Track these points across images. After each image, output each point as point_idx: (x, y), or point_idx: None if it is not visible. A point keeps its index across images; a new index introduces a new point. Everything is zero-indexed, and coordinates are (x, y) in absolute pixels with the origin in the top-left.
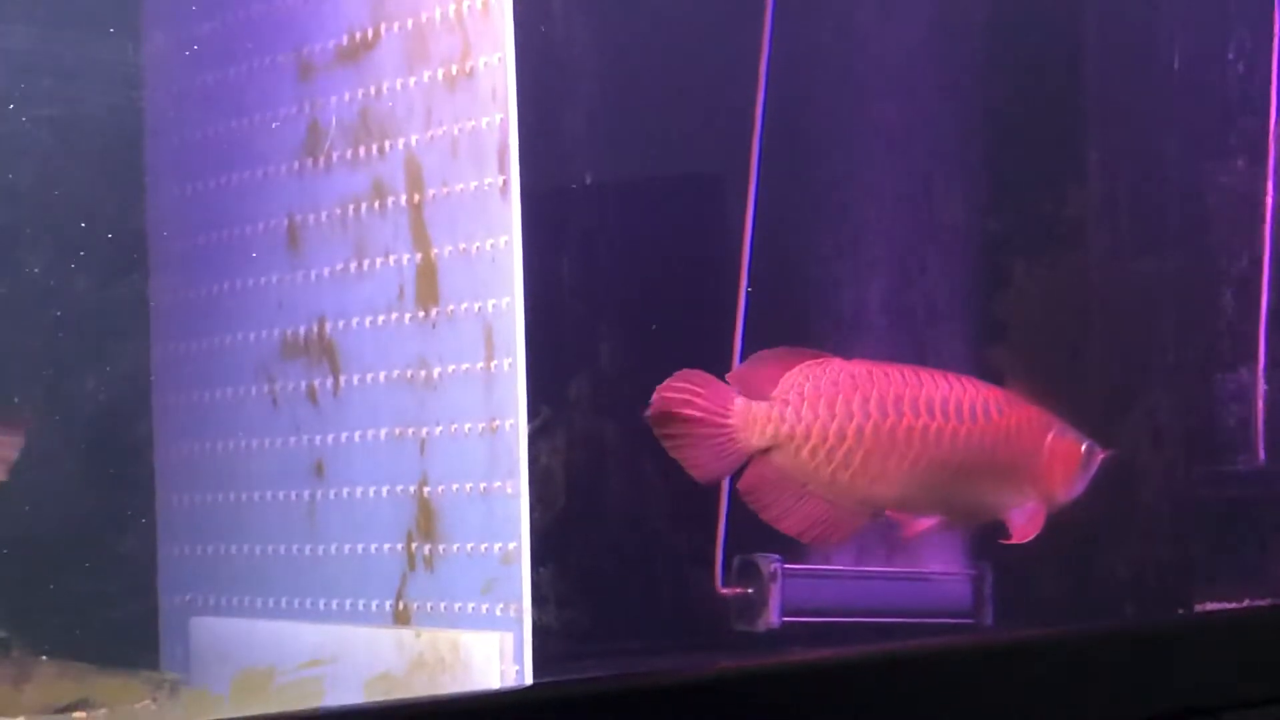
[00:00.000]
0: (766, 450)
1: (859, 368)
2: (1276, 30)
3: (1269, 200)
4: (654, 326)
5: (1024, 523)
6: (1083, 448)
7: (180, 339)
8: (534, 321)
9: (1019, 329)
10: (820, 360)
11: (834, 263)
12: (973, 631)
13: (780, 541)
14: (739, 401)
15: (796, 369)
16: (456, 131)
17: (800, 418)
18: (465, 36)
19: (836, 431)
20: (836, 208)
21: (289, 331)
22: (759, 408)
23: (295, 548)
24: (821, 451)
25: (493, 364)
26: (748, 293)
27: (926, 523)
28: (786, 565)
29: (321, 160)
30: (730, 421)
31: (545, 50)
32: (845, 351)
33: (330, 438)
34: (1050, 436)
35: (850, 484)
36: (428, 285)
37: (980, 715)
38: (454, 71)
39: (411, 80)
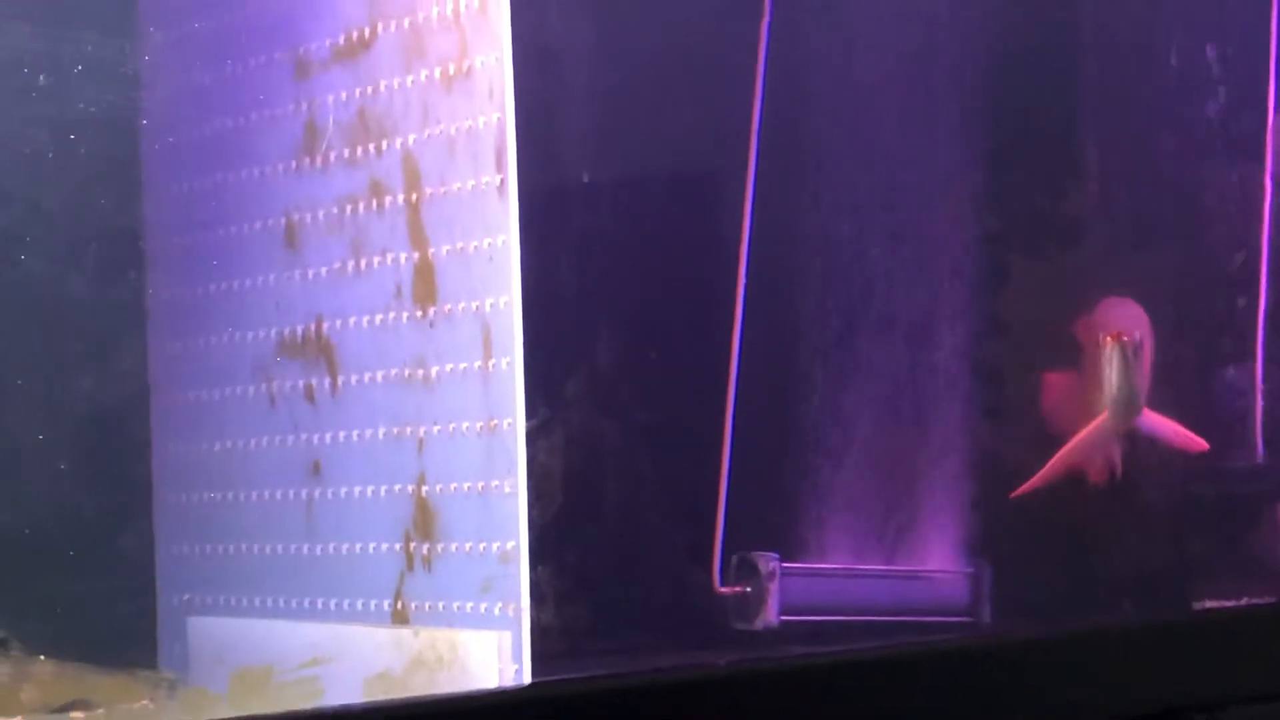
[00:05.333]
0: None
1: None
2: (1274, 28)
3: (1267, 197)
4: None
5: None
6: (1106, 340)
7: (177, 338)
8: (532, 321)
9: (1017, 326)
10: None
11: (832, 259)
12: (971, 629)
13: (778, 540)
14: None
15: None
16: (454, 131)
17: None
18: (462, 35)
19: None
20: (834, 205)
21: (286, 331)
22: None
23: (293, 547)
24: None
25: (490, 363)
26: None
27: None
28: (785, 564)
29: (319, 159)
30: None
31: (543, 49)
32: (847, 346)
33: (328, 437)
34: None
35: None
36: (425, 284)
37: (979, 713)
38: (451, 71)
39: (409, 79)
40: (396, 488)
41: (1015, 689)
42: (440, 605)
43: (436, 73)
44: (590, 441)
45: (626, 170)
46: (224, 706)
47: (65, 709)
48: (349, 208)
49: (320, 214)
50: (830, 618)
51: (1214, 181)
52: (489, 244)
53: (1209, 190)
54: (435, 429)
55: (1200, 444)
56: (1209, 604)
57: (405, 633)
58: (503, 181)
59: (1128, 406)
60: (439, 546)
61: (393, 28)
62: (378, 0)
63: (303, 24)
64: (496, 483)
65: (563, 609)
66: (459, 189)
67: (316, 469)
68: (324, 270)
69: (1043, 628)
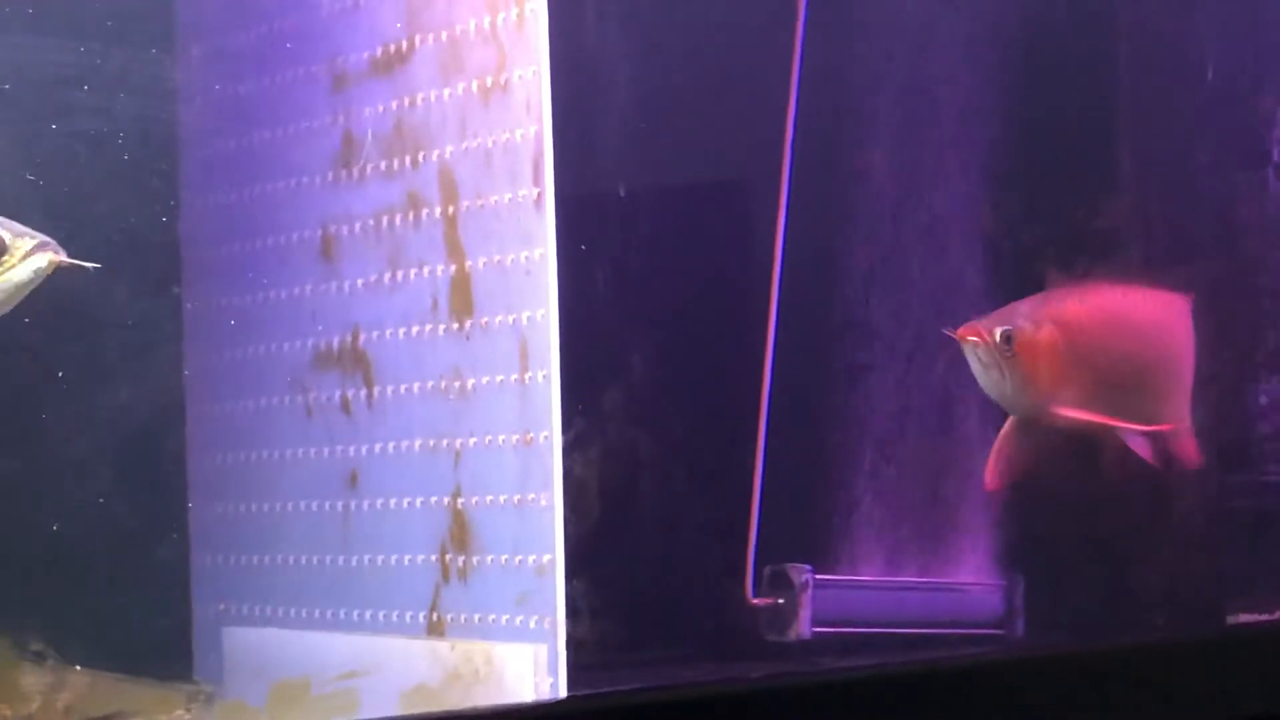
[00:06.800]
0: None
1: None
2: None
3: None
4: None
5: None
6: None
7: (214, 349)
8: (568, 333)
9: None
10: None
11: (866, 271)
12: (1003, 642)
13: (811, 552)
14: None
15: None
16: (491, 143)
17: None
18: (500, 49)
19: None
20: (869, 216)
21: (323, 342)
22: None
23: (329, 558)
24: None
25: (527, 376)
26: None
27: None
28: (817, 575)
29: (356, 171)
30: None
31: (580, 63)
32: (881, 359)
33: (364, 448)
34: None
35: None
36: (462, 297)
37: None
38: (489, 83)
39: (446, 92)
40: (433, 499)
41: (1047, 704)
42: (476, 618)
43: (474, 85)
44: (625, 454)
45: (663, 183)
46: (262, 718)
47: None
48: (386, 220)
49: (357, 226)
50: (863, 630)
51: (1249, 194)
52: (526, 257)
53: (1243, 203)
54: (471, 441)
55: (1143, 425)
56: (1244, 619)
57: (441, 645)
58: (540, 194)
59: (1004, 405)
60: (475, 559)
61: (430, 41)
62: (416, 13)
63: (340, 37)
64: (532, 495)
65: (598, 622)
66: (496, 202)
67: (353, 480)
68: (360, 282)
69: (1075, 642)
